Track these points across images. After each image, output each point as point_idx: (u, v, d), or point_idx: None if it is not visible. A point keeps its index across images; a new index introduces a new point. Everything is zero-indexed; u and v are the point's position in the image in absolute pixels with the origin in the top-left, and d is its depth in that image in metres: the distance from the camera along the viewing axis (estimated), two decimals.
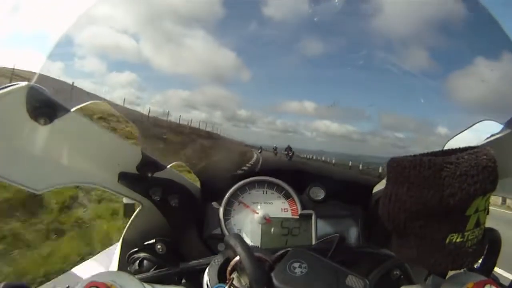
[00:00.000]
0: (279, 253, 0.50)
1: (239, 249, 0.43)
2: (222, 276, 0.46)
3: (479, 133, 0.60)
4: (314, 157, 0.90)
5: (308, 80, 0.78)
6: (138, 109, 0.80)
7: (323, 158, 0.89)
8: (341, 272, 0.46)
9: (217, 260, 0.49)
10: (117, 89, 0.77)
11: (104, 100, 0.64)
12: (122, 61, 0.79)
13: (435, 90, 0.70)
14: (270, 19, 0.71)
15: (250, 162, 0.89)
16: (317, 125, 0.81)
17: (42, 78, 0.52)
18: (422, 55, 0.68)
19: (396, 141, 0.80)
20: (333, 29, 0.71)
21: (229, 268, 0.45)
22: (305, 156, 0.88)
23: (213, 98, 0.82)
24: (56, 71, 0.60)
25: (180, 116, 0.85)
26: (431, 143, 0.78)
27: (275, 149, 0.84)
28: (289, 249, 0.50)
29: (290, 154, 0.84)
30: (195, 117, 0.86)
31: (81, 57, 0.70)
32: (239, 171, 0.82)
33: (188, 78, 0.80)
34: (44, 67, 0.53)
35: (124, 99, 0.77)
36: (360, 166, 0.80)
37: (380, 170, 0.83)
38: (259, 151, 0.83)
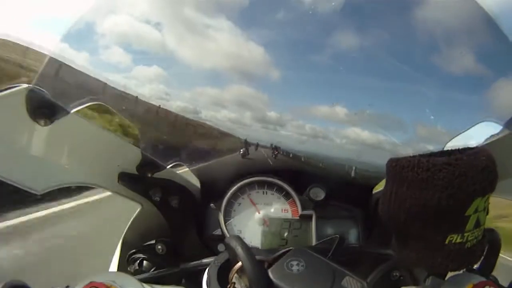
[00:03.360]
0: (278, 253, 0.50)
1: (239, 251, 0.43)
2: (221, 277, 0.46)
3: (479, 134, 0.59)
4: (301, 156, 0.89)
5: (341, 84, 0.74)
6: (167, 105, 0.78)
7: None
8: (339, 272, 0.46)
9: (217, 261, 0.49)
10: (138, 84, 0.76)
11: (103, 102, 0.64)
12: (142, 54, 0.77)
13: (478, 103, 0.66)
14: (303, 13, 0.67)
15: (250, 162, 0.88)
16: (348, 132, 0.78)
17: (44, 77, 0.52)
18: (468, 63, 0.64)
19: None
20: (372, 29, 0.68)
21: (231, 274, 0.45)
22: (290, 154, 0.87)
23: (242, 97, 0.80)
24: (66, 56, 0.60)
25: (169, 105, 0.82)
26: None
27: (257, 145, 0.83)
28: (290, 248, 0.50)
29: (275, 153, 0.83)
30: (225, 117, 0.83)
31: (100, 46, 0.69)
32: (239, 171, 0.81)
33: (215, 74, 0.78)
34: (58, 51, 0.54)
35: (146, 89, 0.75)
36: None
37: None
38: (255, 148, 0.82)
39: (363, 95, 0.76)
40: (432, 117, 0.68)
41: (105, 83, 0.66)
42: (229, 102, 0.80)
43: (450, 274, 0.48)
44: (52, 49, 0.58)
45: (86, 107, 0.56)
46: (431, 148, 0.68)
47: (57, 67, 0.60)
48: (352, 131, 0.77)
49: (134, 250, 0.64)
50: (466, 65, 0.65)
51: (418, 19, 0.65)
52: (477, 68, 0.63)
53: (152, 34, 0.72)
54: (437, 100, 0.70)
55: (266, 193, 0.78)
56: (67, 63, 0.61)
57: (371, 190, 0.79)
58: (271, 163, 0.81)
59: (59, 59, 0.58)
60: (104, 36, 0.69)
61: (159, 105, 0.78)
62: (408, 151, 0.76)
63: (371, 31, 0.69)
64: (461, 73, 0.66)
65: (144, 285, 0.45)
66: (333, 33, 0.70)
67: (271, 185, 0.78)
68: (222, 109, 0.81)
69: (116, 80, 0.72)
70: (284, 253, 0.49)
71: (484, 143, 0.55)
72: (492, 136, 0.55)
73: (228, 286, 0.44)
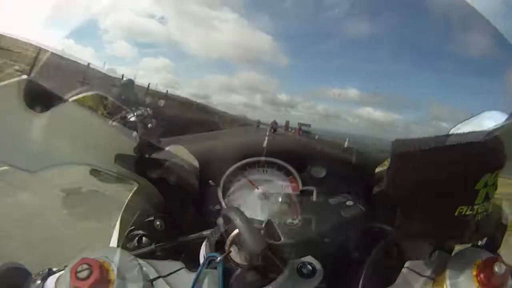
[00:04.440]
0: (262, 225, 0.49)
1: (238, 221, 0.42)
2: (219, 248, 0.45)
3: (483, 122, 0.58)
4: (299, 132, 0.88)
5: (351, 65, 0.73)
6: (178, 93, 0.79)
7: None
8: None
9: (215, 233, 0.47)
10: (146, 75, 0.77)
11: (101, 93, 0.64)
12: (148, 46, 0.78)
13: (490, 87, 0.63)
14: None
15: (252, 144, 0.87)
16: (360, 111, 0.78)
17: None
18: (485, 40, 0.60)
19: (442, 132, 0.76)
20: (382, 7, 0.66)
21: (227, 242, 0.43)
22: (290, 130, 0.86)
23: (252, 82, 0.79)
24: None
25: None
26: None
27: (258, 123, 0.82)
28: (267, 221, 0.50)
29: (274, 127, 0.83)
30: (235, 101, 0.83)
31: (107, 40, 0.70)
32: (238, 153, 0.80)
33: (223, 63, 0.77)
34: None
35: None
36: None
37: None
38: (256, 126, 0.82)
39: (374, 77, 0.73)
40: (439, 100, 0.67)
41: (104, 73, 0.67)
42: (237, 87, 0.80)
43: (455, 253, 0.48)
44: (58, 46, 0.61)
45: (84, 97, 0.57)
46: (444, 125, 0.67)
47: (54, 58, 0.61)
48: (365, 110, 0.77)
49: (132, 227, 0.64)
50: (478, 49, 0.63)
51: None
52: (489, 53, 0.62)
53: (158, 29, 0.73)
54: (448, 82, 0.69)
55: (267, 171, 0.77)
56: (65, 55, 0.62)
57: (374, 169, 0.78)
58: (271, 139, 0.80)
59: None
60: (108, 32, 0.70)
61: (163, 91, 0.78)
62: (419, 130, 0.76)
63: (382, 11, 0.67)
64: (473, 57, 0.65)
65: (140, 260, 0.44)
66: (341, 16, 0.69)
67: (271, 164, 0.77)
68: (232, 93, 0.81)
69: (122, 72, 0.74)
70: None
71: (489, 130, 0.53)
72: (496, 125, 0.54)
73: (225, 255, 0.43)
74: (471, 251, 0.45)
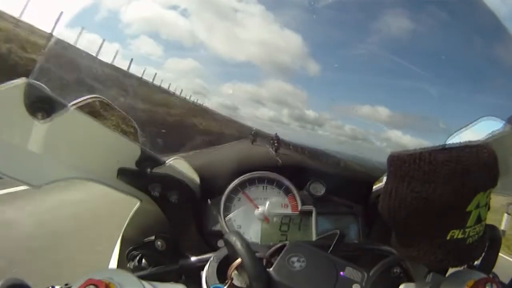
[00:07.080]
0: (274, 248, 0.50)
1: (238, 247, 0.43)
2: (220, 273, 0.46)
3: (480, 130, 0.58)
4: (304, 149, 0.87)
5: (386, 83, 0.67)
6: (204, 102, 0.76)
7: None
8: (340, 264, 0.47)
9: (216, 257, 0.48)
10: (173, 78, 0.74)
11: (102, 97, 0.64)
12: (173, 44, 0.74)
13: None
14: None
15: (250, 158, 0.88)
16: (389, 134, 0.73)
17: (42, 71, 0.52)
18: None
19: None
20: (426, 23, 0.60)
21: (229, 271, 0.44)
22: (292, 147, 0.85)
23: (279, 92, 0.74)
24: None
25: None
26: None
27: (254, 135, 0.81)
28: (285, 243, 0.50)
29: (276, 145, 0.82)
30: (263, 115, 0.78)
31: (130, 35, 0.68)
32: (239, 166, 0.81)
33: (250, 67, 0.72)
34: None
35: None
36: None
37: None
38: (252, 138, 0.81)
39: (408, 96, 0.70)
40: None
41: (106, 77, 0.65)
42: (265, 98, 0.76)
43: (451, 270, 0.48)
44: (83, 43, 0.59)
45: (86, 102, 0.55)
46: None
47: (56, 60, 0.60)
48: (394, 133, 0.72)
49: (133, 247, 0.64)
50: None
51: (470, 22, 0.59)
52: None
53: (181, 22, 0.69)
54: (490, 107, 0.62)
55: (266, 188, 0.78)
56: (66, 56, 0.61)
57: (371, 186, 0.79)
58: (273, 156, 0.80)
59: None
60: (130, 25, 0.67)
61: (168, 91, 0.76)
62: None
63: (422, 28, 0.62)
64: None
65: (143, 282, 0.45)
66: (380, 22, 0.63)
67: (271, 180, 0.78)
68: (260, 106, 0.77)
69: (149, 73, 0.71)
70: (279, 249, 0.49)
71: (486, 139, 0.55)
72: (494, 132, 0.55)
73: (226, 282, 0.44)
74: (465, 272, 0.46)
